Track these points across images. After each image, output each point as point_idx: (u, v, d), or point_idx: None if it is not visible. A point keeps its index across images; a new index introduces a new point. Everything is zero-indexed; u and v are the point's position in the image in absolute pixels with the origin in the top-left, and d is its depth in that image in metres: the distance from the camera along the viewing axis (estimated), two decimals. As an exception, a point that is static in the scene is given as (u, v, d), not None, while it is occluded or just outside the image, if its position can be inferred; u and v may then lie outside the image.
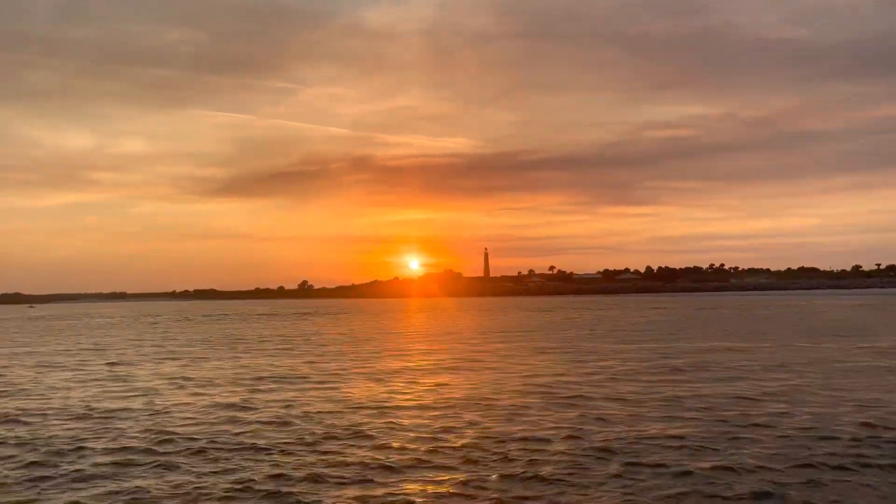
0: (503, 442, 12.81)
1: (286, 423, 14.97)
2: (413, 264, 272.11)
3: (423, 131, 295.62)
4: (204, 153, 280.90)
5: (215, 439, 13.51)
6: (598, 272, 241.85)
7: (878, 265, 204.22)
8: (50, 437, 14.03)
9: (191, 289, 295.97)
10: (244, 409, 17.03)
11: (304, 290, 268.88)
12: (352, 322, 66.80)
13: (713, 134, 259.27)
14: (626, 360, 26.01)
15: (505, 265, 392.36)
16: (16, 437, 14.16)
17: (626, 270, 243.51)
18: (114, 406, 17.70)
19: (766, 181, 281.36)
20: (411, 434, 13.69)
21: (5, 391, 21.07)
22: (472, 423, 14.60)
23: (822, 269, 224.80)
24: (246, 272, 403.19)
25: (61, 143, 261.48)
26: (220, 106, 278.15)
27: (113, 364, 28.63)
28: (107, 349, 37.00)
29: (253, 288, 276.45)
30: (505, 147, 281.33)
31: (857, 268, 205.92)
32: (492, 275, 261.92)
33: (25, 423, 15.61)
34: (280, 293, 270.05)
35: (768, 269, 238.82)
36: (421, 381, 21.77)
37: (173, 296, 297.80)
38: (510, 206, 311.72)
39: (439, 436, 13.47)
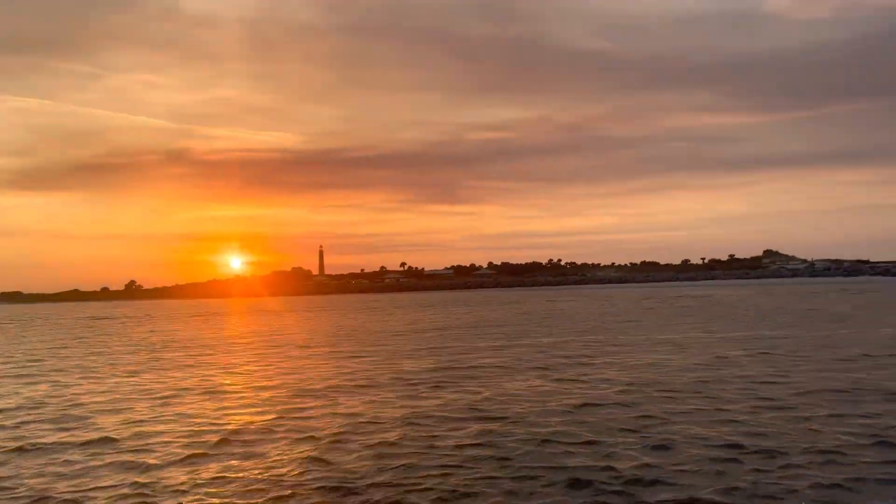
0: None
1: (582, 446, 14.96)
2: (235, 262, 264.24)
3: (244, 124, 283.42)
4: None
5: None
6: (448, 268, 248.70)
7: (703, 259, 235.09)
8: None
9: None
10: (491, 418, 16.09)
11: (133, 291, 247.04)
12: (286, 320, 63.03)
13: (530, 137, 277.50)
14: (771, 347, 27.27)
15: (336, 263, 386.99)
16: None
17: (473, 266, 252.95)
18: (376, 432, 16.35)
19: (575, 182, 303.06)
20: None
21: (192, 410, 18.39)
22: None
23: (655, 262, 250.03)
24: (54, 273, 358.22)
25: None
26: (12, 89, 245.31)
27: (207, 377, 25.60)
28: (135, 352, 32.47)
29: (71, 289, 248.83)
30: (329, 143, 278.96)
31: (686, 261, 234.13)
32: (327, 272, 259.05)
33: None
34: (105, 294, 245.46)
35: (612, 264, 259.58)
36: (579, 379, 21.60)
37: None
38: (336, 203, 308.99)
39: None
